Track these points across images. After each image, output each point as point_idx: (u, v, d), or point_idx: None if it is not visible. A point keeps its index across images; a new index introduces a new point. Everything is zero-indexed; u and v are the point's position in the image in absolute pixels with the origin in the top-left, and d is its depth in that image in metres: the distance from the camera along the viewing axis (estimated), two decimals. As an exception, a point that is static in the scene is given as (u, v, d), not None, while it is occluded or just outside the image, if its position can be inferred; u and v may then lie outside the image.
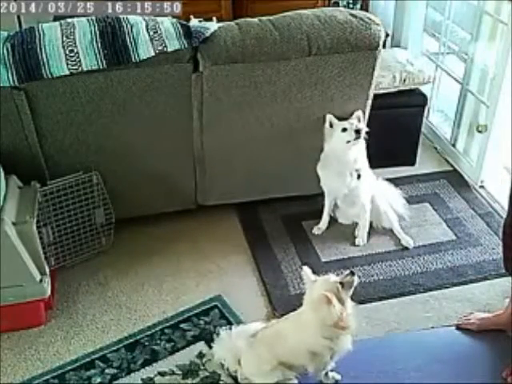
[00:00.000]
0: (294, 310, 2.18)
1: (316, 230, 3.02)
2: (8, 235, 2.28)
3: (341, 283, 2.04)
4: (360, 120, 2.77)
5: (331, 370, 2.22)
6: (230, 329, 2.32)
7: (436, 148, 3.68)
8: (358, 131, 2.68)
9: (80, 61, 2.45)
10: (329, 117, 2.75)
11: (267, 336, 2.19)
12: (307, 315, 2.09)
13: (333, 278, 2.08)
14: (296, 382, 2.20)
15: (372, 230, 2.98)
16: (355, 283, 2.08)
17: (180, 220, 3.04)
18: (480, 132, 3.23)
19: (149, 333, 2.49)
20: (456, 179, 3.40)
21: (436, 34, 3.82)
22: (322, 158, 2.86)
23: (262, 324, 2.30)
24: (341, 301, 2.02)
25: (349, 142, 2.71)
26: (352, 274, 2.08)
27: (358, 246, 2.92)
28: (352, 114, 2.76)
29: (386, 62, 3.19)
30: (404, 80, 3.30)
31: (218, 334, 2.34)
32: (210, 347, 2.39)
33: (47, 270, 2.47)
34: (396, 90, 3.32)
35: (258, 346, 2.17)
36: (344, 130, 2.71)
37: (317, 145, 2.84)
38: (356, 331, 2.11)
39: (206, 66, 2.58)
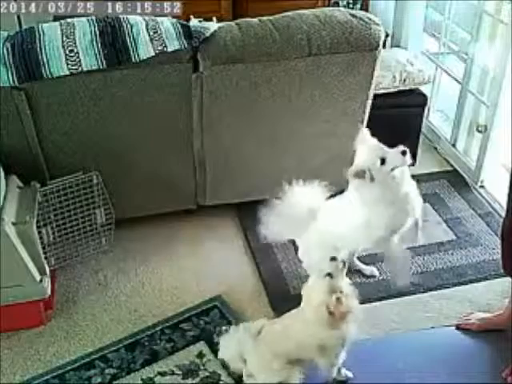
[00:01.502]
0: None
1: None
2: (8, 235, 2.28)
3: (329, 274, 2.01)
4: None
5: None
6: (236, 325, 2.29)
7: (436, 148, 3.68)
8: None
9: (80, 61, 2.45)
10: None
11: (273, 333, 2.16)
12: (310, 316, 2.05)
13: (320, 273, 2.04)
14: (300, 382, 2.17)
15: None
16: (341, 266, 2.03)
17: (180, 220, 3.04)
18: (480, 132, 3.23)
19: (149, 333, 2.49)
20: (456, 179, 3.40)
21: (436, 34, 3.82)
22: None
23: (266, 321, 2.26)
24: (336, 288, 1.99)
25: None
26: (334, 259, 2.03)
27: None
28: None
29: (385, 62, 3.19)
30: (404, 80, 3.30)
31: (221, 332, 2.32)
32: (210, 347, 2.40)
33: (47, 269, 2.47)
34: (396, 90, 3.31)
35: (263, 343, 2.14)
36: None
37: (316, 145, 2.84)
38: (359, 310, 2.05)
39: (206, 65, 2.58)
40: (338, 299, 1.98)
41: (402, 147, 2.24)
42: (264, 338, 2.15)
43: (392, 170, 2.27)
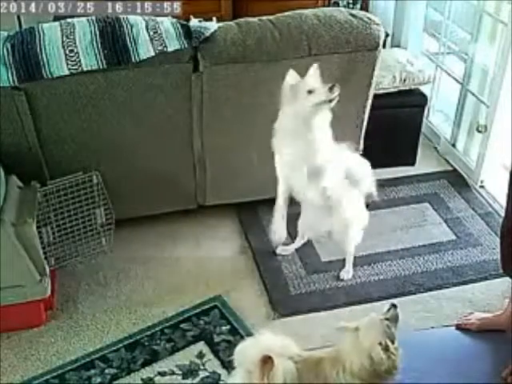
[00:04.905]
0: (295, 310, 2.14)
1: (281, 251, 2.75)
2: (8, 236, 2.28)
3: (387, 319, 1.94)
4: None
5: None
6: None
7: (436, 148, 3.68)
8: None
9: (80, 61, 2.45)
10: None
11: (304, 372, 1.96)
12: (357, 360, 1.92)
13: (376, 316, 1.97)
14: None
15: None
16: (399, 316, 1.99)
17: (180, 220, 3.04)
18: (480, 132, 3.23)
19: (149, 333, 2.49)
20: (456, 179, 3.40)
21: (436, 34, 3.82)
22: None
23: (298, 348, 2.02)
24: (392, 338, 1.93)
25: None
26: (394, 306, 2.01)
27: (342, 279, 2.70)
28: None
29: (385, 62, 3.19)
30: (404, 80, 3.30)
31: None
32: (210, 347, 2.41)
33: (47, 269, 2.47)
34: (396, 90, 3.31)
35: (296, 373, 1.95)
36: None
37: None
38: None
39: (206, 65, 2.58)
40: (390, 352, 1.90)
41: (331, 84, 2.29)
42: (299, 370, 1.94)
43: (317, 104, 2.29)
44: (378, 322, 1.96)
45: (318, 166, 2.40)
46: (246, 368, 1.92)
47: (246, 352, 1.95)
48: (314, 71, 2.35)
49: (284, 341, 1.99)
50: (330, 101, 2.29)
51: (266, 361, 1.83)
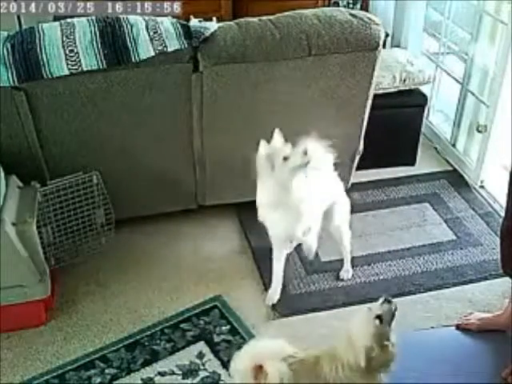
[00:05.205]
0: (295, 310, 2.13)
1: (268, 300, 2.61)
2: (8, 235, 2.28)
3: (378, 317, 1.89)
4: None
5: None
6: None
7: (436, 148, 3.68)
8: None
9: (80, 61, 2.46)
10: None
11: (303, 372, 1.96)
12: (348, 358, 1.92)
13: (368, 312, 1.92)
14: None
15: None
16: (395, 311, 1.94)
17: (180, 220, 3.04)
18: (480, 132, 3.23)
19: (149, 333, 2.49)
20: (456, 179, 3.40)
21: (436, 34, 3.82)
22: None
23: (292, 347, 2.01)
24: (384, 335, 1.89)
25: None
26: (388, 301, 1.94)
27: (342, 279, 2.73)
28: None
29: (385, 62, 3.19)
30: (404, 80, 3.30)
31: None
32: (210, 347, 2.41)
33: (47, 270, 2.47)
34: (396, 90, 3.32)
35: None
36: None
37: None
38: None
39: (206, 65, 2.58)
40: (384, 348, 1.89)
41: (304, 147, 2.24)
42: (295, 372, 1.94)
43: (294, 169, 2.26)
44: (371, 318, 1.91)
45: (307, 228, 2.43)
46: (242, 380, 1.93)
47: (238, 365, 1.96)
48: (277, 136, 2.33)
49: (276, 343, 1.98)
50: (306, 164, 2.26)
51: (258, 370, 1.83)
